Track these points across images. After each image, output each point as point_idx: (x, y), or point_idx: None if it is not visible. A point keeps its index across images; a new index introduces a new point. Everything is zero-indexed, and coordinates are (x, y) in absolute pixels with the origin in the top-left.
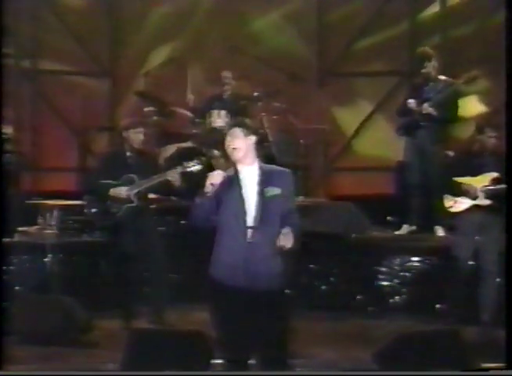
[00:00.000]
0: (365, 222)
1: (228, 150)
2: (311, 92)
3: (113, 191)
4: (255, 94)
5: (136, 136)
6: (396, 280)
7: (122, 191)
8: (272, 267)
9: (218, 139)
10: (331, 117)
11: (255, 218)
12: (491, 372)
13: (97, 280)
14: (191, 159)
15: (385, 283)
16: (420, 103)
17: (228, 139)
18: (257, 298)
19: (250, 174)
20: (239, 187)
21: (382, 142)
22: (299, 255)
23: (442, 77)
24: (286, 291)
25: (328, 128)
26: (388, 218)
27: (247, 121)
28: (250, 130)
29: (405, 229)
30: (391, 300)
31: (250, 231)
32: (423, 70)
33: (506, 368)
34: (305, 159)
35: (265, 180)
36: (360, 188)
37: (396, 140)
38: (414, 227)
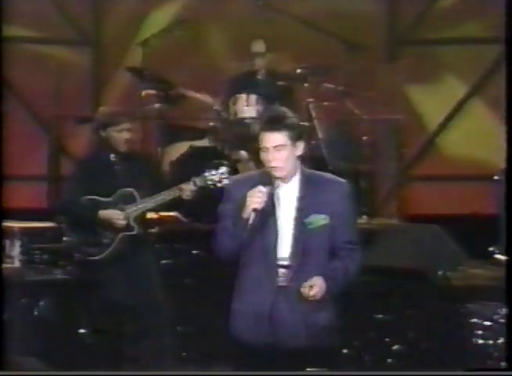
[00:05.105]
0: (457, 253)
1: (265, 162)
2: (378, 68)
3: (104, 215)
4: (298, 71)
5: (119, 136)
6: (502, 338)
7: (118, 217)
8: (313, 320)
9: (245, 134)
10: (407, 103)
11: (291, 255)
12: (491, 372)
13: (74, 333)
14: (208, 162)
15: (487, 341)
16: None
17: (264, 146)
18: (293, 362)
19: (287, 192)
20: (274, 209)
21: (480, 140)
22: (361, 301)
23: None
24: (344, 350)
25: (403, 119)
26: (491, 248)
27: (293, 119)
28: (296, 133)
29: None
30: (494, 364)
31: (282, 271)
32: None
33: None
34: (370, 163)
35: (308, 203)
36: (449, 204)
37: (502, 136)
38: None
